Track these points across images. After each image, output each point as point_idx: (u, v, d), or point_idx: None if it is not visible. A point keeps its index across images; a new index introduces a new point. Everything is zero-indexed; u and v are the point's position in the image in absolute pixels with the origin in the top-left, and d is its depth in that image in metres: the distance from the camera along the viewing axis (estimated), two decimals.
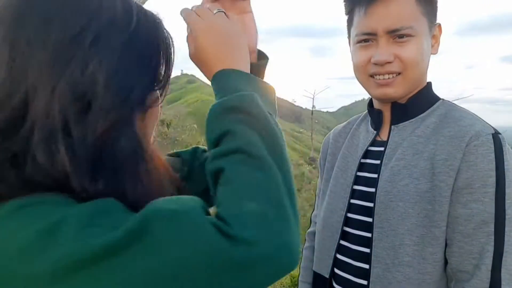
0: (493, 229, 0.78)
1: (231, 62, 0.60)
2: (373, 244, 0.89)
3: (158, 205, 0.43)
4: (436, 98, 0.96)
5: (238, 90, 0.55)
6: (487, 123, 0.86)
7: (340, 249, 0.98)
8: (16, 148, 0.45)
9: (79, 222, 0.41)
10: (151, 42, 0.54)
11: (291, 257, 0.43)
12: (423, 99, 0.95)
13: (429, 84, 0.97)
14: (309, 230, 1.21)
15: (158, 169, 0.53)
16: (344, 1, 0.96)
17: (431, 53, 0.94)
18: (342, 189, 1.01)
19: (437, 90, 0.98)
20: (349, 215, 0.97)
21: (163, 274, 0.39)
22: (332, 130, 1.19)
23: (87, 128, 0.46)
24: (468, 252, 0.80)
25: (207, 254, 0.39)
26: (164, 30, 0.57)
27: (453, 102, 0.96)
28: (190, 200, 0.45)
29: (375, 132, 1.00)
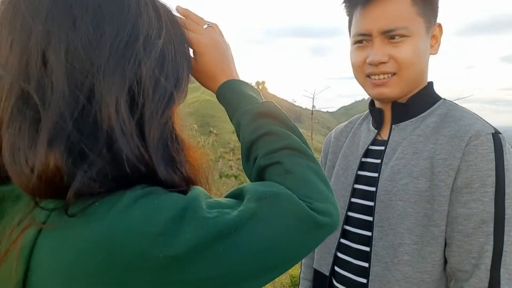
0: (492, 229, 0.78)
1: (231, 73, 0.70)
2: (373, 242, 0.90)
3: (257, 188, 0.54)
4: (437, 98, 0.96)
5: (252, 97, 0.67)
6: (487, 122, 0.86)
7: (340, 247, 0.98)
8: (105, 153, 0.47)
9: (204, 206, 0.48)
10: (179, 39, 0.58)
11: (339, 220, 0.59)
12: (423, 99, 0.95)
13: (430, 84, 0.97)
14: None
15: (194, 156, 0.60)
16: (344, 3, 0.97)
17: (431, 53, 0.94)
18: (343, 188, 1.01)
19: (437, 90, 0.98)
20: (350, 213, 0.97)
21: (276, 236, 0.50)
22: (334, 129, 1.19)
23: (151, 128, 0.50)
24: (467, 251, 0.80)
25: (305, 221, 0.53)
26: (183, 27, 0.61)
27: (453, 102, 0.97)
28: (275, 184, 0.56)
29: (376, 131, 1.00)
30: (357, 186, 0.98)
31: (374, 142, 0.99)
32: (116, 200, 0.46)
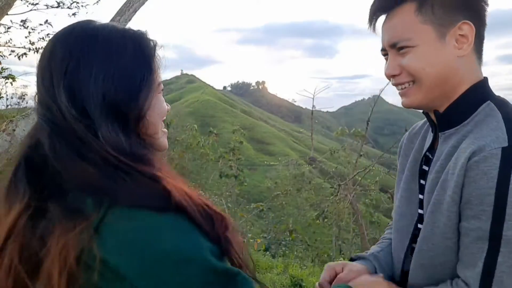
0: (486, 247, 0.75)
1: None
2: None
3: None
4: (481, 102, 0.88)
5: None
6: (506, 134, 0.79)
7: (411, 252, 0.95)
8: None
9: None
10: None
11: None
12: (463, 106, 0.89)
13: (473, 87, 0.88)
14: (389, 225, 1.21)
15: None
16: (369, 23, 0.96)
17: (458, 56, 0.86)
18: (411, 194, 1.00)
19: None
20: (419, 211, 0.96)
21: None
22: (409, 130, 1.14)
23: None
24: (464, 262, 0.81)
25: None
26: None
27: (504, 101, 0.90)
28: None
29: (432, 136, 0.97)
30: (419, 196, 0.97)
31: (431, 149, 0.97)
32: None
